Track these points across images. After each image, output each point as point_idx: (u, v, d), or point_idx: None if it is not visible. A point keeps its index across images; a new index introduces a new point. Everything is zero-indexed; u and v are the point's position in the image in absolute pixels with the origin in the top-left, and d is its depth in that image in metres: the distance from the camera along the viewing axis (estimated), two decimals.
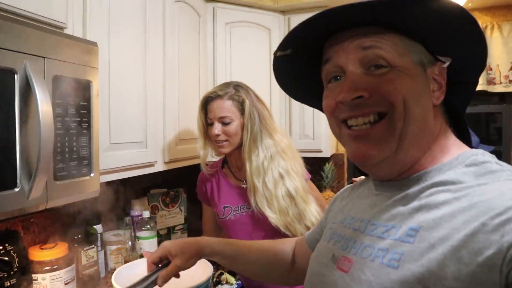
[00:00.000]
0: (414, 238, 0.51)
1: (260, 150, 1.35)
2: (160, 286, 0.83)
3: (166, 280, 0.83)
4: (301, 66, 0.67)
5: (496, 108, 2.48)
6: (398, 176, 0.59)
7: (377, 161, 0.57)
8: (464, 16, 0.51)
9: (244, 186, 1.42)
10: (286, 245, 0.94)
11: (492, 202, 0.46)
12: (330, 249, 0.66)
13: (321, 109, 0.70)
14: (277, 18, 2.09)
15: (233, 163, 1.48)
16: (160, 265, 0.88)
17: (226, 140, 1.38)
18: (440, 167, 0.56)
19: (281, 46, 0.62)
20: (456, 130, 0.62)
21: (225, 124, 1.37)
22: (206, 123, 1.43)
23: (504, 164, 0.54)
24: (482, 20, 2.35)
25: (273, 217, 1.29)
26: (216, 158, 1.62)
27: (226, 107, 1.37)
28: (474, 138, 0.69)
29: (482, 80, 2.32)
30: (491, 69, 2.31)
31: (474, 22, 0.52)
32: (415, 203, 0.54)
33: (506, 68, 2.30)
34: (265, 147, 1.35)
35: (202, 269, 1.28)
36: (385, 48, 0.55)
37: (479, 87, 2.33)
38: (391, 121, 0.54)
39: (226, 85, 1.43)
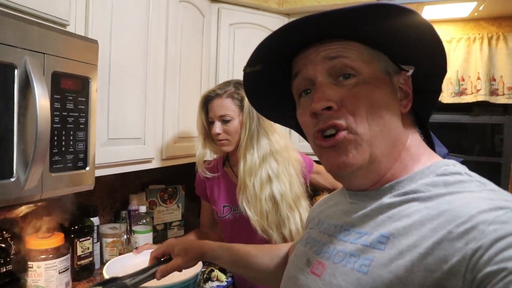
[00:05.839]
0: (385, 245, 0.52)
1: (256, 149, 1.34)
2: (157, 279, 0.89)
3: (164, 275, 0.89)
4: (273, 83, 0.68)
5: (499, 120, 2.46)
6: (372, 186, 0.60)
7: (352, 170, 0.57)
8: (424, 27, 0.53)
9: None
10: (281, 250, 0.96)
11: (458, 211, 0.48)
12: (305, 253, 0.67)
13: (297, 130, 0.72)
14: (282, 21, 2.11)
15: (234, 162, 1.47)
16: (162, 260, 0.94)
17: (226, 139, 1.39)
18: (412, 176, 0.57)
19: (250, 62, 0.63)
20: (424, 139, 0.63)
21: (225, 122, 1.37)
22: (208, 122, 1.44)
23: (473, 174, 0.55)
24: (488, 30, 2.33)
25: (253, 219, 1.30)
26: (213, 157, 1.64)
27: (225, 105, 1.37)
28: (443, 150, 0.69)
29: (484, 90, 2.31)
30: (494, 80, 2.29)
31: (433, 32, 0.53)
32: (388, 212, 0.56)
33: (510, 80, 2.28)
34: (260, 146, 1.34)
35: (192, 267, 1.31)
36: (351, 57, 0.56)
37: (481, 97, 2.33)
38: (352, 132, 0.56)
39: (226, 83, 1.44)
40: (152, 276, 0.89)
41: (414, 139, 0.61)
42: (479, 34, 2.32)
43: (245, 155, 1.35)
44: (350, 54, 0.57)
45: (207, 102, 1.42)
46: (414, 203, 0.54)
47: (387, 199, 0.57)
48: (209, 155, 1.59)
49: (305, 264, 0.65)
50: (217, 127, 1.38)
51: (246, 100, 1.36)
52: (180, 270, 0.92)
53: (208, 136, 1.46)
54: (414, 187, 0.55)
